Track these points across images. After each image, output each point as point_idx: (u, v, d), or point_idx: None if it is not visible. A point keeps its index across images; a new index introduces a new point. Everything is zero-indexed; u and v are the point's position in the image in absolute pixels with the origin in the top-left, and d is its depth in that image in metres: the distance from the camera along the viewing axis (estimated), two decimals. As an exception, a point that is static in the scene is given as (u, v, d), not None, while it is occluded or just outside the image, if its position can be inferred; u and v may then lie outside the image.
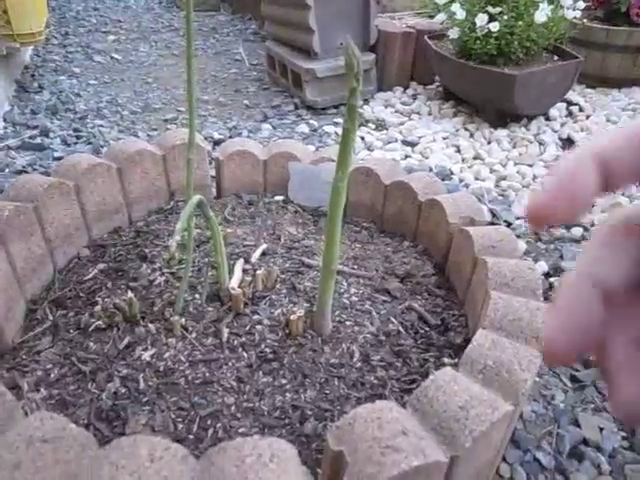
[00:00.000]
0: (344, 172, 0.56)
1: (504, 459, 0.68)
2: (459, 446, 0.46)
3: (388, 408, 0.48)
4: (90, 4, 3.44)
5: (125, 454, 0.42)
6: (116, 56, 2.41)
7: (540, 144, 1.57)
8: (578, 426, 0.73)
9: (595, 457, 0.69)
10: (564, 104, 1.80)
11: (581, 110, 1.79)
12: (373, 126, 1.72)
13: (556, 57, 1.69)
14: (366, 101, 1.91)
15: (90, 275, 0.79)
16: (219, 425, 0.57)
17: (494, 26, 1.51)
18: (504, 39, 1.54)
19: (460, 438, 0.46)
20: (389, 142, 1.59)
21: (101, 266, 0.80)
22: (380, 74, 1.96)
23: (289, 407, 0.60)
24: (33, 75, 2.05)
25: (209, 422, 0.58)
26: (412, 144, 1.58)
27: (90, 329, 0.68)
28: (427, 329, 0.73)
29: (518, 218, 1.24)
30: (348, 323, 0.71)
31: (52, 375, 0.63)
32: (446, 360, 0.69)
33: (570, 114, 1.78)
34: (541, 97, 1.64)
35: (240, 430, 0.57)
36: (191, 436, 0.56)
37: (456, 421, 0.47)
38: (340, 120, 1.76)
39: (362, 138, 1.62)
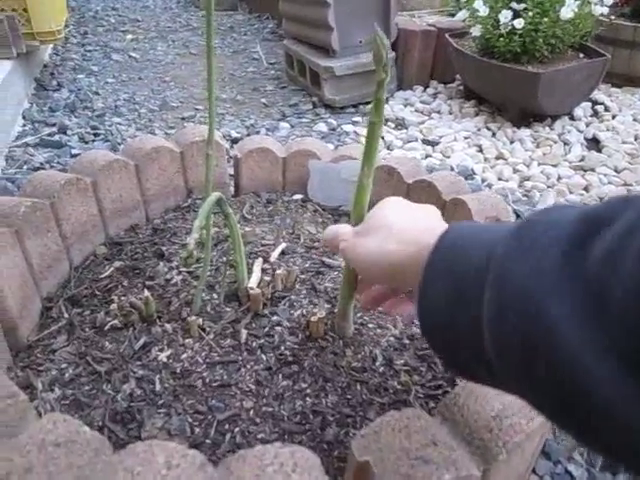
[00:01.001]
0: (370, 168, 0.54)
1: (534, 471, 0.65)
2: (492, 458, 0.43)
3: (416, 416, 0.45)
4: (109, 4, 3.47)
5: (140, 460, 0.40)
6: (134, 55, 2.41)
7: (565, 144, 1.53)
8: (611, 437, 0.69)
9: (630, 470, 0.65)
10: (589, 103, 1.76)
11: (607, 110, 1.75)
12: (393, 125, 1.69)
13: (582, 55, 1.65)
14: (385, 100, 1.88)
15: (106, 273, 0.77)
16: (237, 430, 0.55)
17: (518, 23, 1.47)
18: (529, 36, 1.51)
19: (493, 450, 0.43)
20: (409, 141, 1.57)
21: (117, 264, 0.79)
22: (400, 73, 1.94)
23: (310, 412, 0.58)
24: (52, 73, 2.05)
25: (227, 427, 0.56)
26: (433, 143, 1.55)
27: (106, 328, 0.67)
28: (452, 333, 0.70)
29: (543, 219, 1.20)
30: (370, 325, 0.68)
31: (67, 375, 0.61)
32: (472, 365, 0.66)
33: (595, 114, 1.73)
34: (566, 96, 1.60)
35: (259, 436, 0.55)
36: (208, 441, 0.54)
37: (489, 431, 0.45)
38: (359, 119, 1.73)
39: (382, 137, 1.59)
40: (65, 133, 1.52)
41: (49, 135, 1.50)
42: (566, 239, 0.27)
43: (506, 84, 1.59)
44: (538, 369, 0.26)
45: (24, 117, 1.62)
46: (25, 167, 1.32)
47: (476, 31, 1.63)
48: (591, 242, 0.26)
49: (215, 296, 0.70)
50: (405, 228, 0.43)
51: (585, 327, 0.24)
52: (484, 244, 0.32)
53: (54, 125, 1.56)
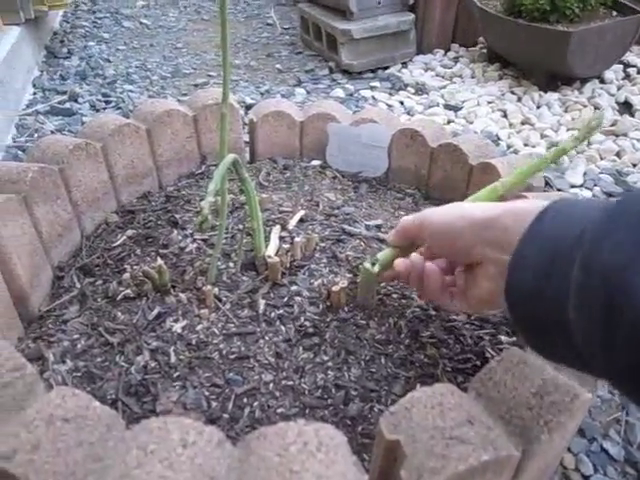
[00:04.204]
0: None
1: (568, 448, 0.61)
2: (534, 438, 0.40)
3: (449, 392, 0.42)
4: (119, -30, 3.37)
5: (154, 438, 0.37)
6: (145, 21, 2.35)
7: (595, 108, 1.46)
8: (649, 414, 0.66)
9: (670, 449, 0.62)
10: (620, 66, 1.67)
11: (639, 72, 1.66)
12: (412, 90, 1.62)
13: (615, 13, 1.56)
14: (404, 64, 1.81)
15: (119, 242, 0.74)
16: (256, 404, 0.53)
17: (548, -22, 1.39)
18: (559, -8, 1.42)
19: (534, 429, 0.40)
20: (430, 106, 1.50)
21: (130, 232, 0.76)
22: (419, 36, 1.85)
23: (332, 386, 0.55)
24: (62, 41, 2.00)
25: (245, 400, 0.53)
26: (455, 108, 1.49)
27: (118, 298, 0.64)
28: (481, 304, 0.66)
29: (572, 187, 1.15)
30: (395, 296, 0.65)
31: (79, 346, 0.59)
32: (503, 338, 0.62)
33: (627, 77, 1.64)
34: (597, 57, 1.51)
35: (279, 410, 0.52)
36: (226, 415, 0.52)
37: (529, 409, 0.41)
38: (377, 84, 1.66)
39: (401, 102, 1.53)
40: (76, 101, 1.49)
41: (60, 103, 1.46)
42: None
43: (533, 45, 1.51)
44: (617, 342, 0.27)
45: (34, 85, 1.58)
46: (36, 135, 1.28)
47: (502, -12, 1.54)
48: None
49: (231, 265, 0.67)
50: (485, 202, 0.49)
51: None
52: (581, 221, 0.33)
53: (65, 93, 1.52)
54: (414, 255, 0.54)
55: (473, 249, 0.44)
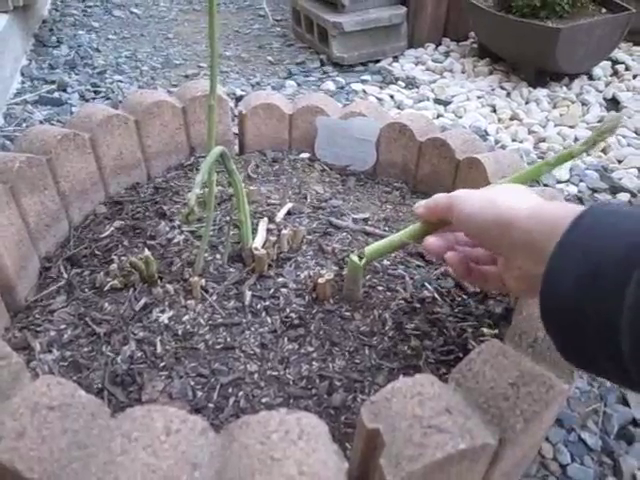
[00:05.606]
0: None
1: (546, 438, 0.63)
2: (509, 427, 0.41)
3: (429, 382, 0.43)
4: (110, -43, 3.33)
5: (138, 426, 0.38)
6: (136, 11, 2.33)
7: (583, 104, 1.47)
8: (627, 405, 0.67)
9: (646, 439, 0.63)
10: (609, 62, 1.68)
11: (627, 69, 1.67)
12: (403, 84, 1.63)
13: (604, 10, 1.57)
14: (395, 58, 1.81)
15: (106, 233, 0.75)
16: (241, 394, 0.53)
17: (539, -27, 1.39)
18: (549, -12, 1.43)
19: (510, 419, 0.41)
20: (420, 101, 1.51)
21: (118, 223, 0.76)
22: (411, 29, 1.85)
23: (316, 377, 0.55)
24: (51, 29, 1.98)
25: (230, 390, 0.54)
26: (445, 103, 1.49)
27: (105, 288, 0.64)
28: (464, 297, 0.67)
29: (559, 182, 1.16)
30: (380, 288, 0.65)
31: (65, 336, 0.59)
32: (485, 330, 0.63)
33: (615, 73, 1.66)
34: (586, 54, 1.52)
35: (263, 400, 0.53)
36: (211, 405, 0.52)
37: (505, 399, 0.42)
38: (368, 78, 1.67)
39: (392, 96, 1.53)
40: (65, 90, 1.48)
41: (48, 92, 1.45)
42: None
43: (523, 41, 1.51)
44: None
45: (23, 74, 1.57)
46: (24, 125, 1.28)
47: (493, -17, 1.54)
48: None
49: (218, 256, 0.68)
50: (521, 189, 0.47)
51: None
52: (626, 234, 0.31)
53: (53, 82, 1.51)
54: (433, 240, 0.53)
55: (499, 245, 0.44)
